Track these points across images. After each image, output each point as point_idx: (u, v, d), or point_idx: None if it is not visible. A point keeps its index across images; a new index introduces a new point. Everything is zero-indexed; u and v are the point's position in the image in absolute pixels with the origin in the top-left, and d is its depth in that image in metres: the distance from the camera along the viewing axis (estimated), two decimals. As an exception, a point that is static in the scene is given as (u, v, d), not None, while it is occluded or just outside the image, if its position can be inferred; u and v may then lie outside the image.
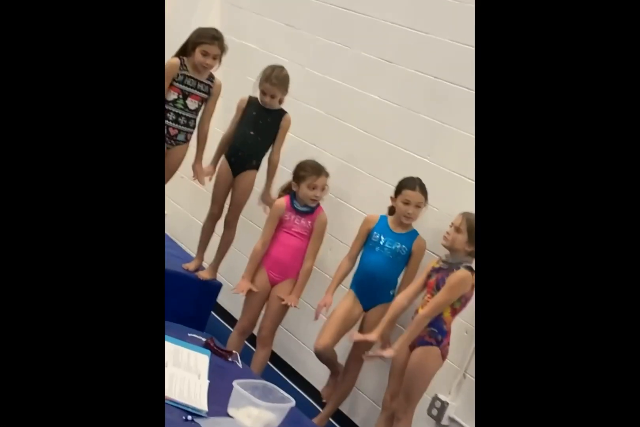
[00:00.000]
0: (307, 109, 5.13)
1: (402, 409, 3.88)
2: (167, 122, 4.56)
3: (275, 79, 4.53)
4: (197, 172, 4.75)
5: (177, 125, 4.62)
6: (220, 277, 5.02)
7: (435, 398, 4.05)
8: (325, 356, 4.29)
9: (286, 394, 3.09)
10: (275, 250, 4.44)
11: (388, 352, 3.82)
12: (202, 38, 4.56)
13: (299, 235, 4.41)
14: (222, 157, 4.75)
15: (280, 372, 4.93)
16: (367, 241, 4.22)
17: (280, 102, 4.65)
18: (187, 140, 4.70)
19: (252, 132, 4.66)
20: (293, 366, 4.94)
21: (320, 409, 4.47)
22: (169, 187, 5.00)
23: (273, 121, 4.67)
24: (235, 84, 5.04)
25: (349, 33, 5.06)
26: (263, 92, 4.58)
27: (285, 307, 4.43)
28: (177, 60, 4.57)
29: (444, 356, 3.85)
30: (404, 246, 4.12)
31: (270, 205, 4.62)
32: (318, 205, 4.41)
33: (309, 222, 4.40)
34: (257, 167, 4.74)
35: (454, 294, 3.76)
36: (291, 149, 5.05)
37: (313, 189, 4.33)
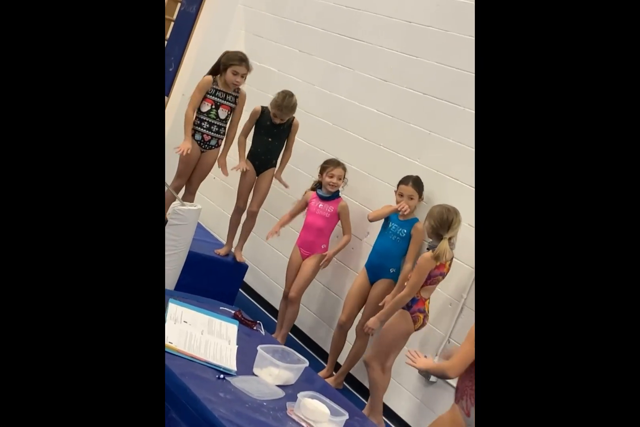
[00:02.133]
0: (317, 121, 5.10)
1: (370, 359, 3.92)
2: (202, 129, 4.59)
3: (285, 108, 4.51)
4: (222, 165, 4.73)
5: (210, 133, 4.61)
6: (246, 260, 5.00)
7: (425, 359, 4.03)
8: (346, 327, 4.33)
9: (301, 357, 3.07)
10: (304, 232, 4.57)
11: (371, 323, 3.90)
12: (232, 60, 4.54)
13: (322, 217, 4.49)
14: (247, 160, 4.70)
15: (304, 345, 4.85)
16: (384, 228, 4.25)
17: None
18: (218, 146, 4.68)
19: (269, 139, 4.65)
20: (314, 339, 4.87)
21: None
22: (204, 185, 5.01)
23: (285, 127, 4.65)
24: (256, 99, 5.01)
25: (351, 57, 5.03)
26: (274, 115, 4.56)
27: (313, 275, 4.53)
28: (210, 77, 4.57)
29: (414, 321, 3.78)
30: (404, 229, 4.12)
31: (281, 182, 4.73)
32: (338, 193, 4.48)
33: (331, 206, 4.49)
34: (275, 165, 4.74)
35: (422, 274, 3.70)
36: (304, 154, 5.03)
37: (331, 177, 4.43)
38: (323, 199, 4.51)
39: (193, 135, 4.60)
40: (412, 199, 4.11)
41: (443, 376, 2.90)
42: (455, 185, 4.09)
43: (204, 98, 4.55)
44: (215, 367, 2.78)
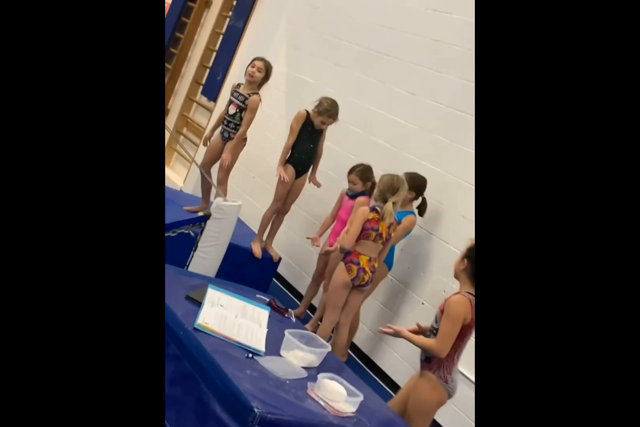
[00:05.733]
0: (349, 129, 5.14)
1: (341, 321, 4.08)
2: (222, 125, 4.77)
3: (335, 114, 4.54)
4: (223, 159, 4.77)
5: (223, 126, 4.76)
6: (281, 253, 5.06)
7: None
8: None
9: (325, 342, 3.11)
10: (336, 223, 4.58)
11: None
12: (255, 58, 4.77)
13: (347, 212, 4.50)
14: (290, 166, 4.67)
15: (362, 363, 4.64)
16: None
17: None
18: (230, 138, 4.74)
19: (311, 145, 4.66)
20: (374, 360, 4.61)
21: (393, 394, 4.18)
22: (245, 183, 5.05)
23: (320, 132, 4.68)
24: (294, 108, 5.06)
25: (382, 71, 5.05)
26: (322, 122, 4.55)
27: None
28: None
29: (348, 270, 3.96)
30: (396, 218, 4.14)
31: (315, 183, 4.75)
32: (364, 193, 4.46)
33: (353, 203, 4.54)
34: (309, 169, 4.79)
35: (357, 222, 3.91)
36: (336, 159, 5.06)
37: (349, 181, 4.51)
38: (349, 196, 4.56)
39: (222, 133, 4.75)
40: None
41: (433, 355, 2.97)
42: (471, 190, 4.10)
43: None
44: (245, 348, 2.81)
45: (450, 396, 3.05)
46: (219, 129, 4.80)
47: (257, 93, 4.65)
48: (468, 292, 2.93)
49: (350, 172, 4.43)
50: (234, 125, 4.71)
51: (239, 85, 4.75)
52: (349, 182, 4.45)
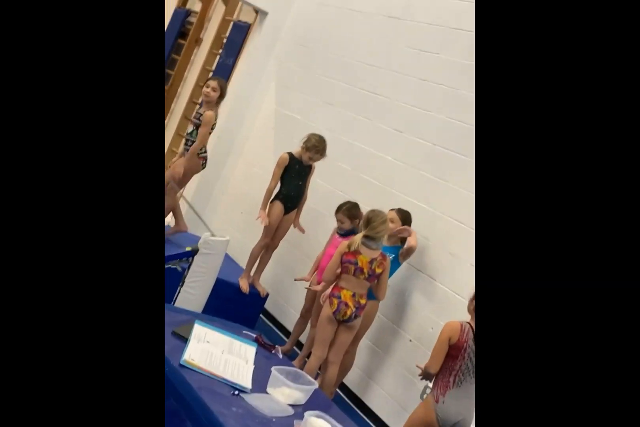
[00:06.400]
0: (337, 166, 5.20)
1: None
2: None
3: (323, 150, 4.63)
4: (174, 170, 4.80)
5: (184, 145, 4.90)
6: (268, 289, 5.07)
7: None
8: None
9: (312, 379, 3.10)
10: (324, 261, 4.51)
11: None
12: (208, 78, 5.04)
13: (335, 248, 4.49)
14: (278, 202, 4.74)
15: (350, 401, 4.63)
16: None
17: None
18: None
19: (300, 182, 4.73)
20: (362, 398, 4.59)
21: None
22: (231, 218, 5.05)
23: (308, 169, 4.76)
24: (283, 144, 5.13)
25: (369, 109, 5.13)
26: (310, 158, 4.64)
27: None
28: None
29: (330, 304, 3.99)
30: (392, 254, 4.16)
31: (299, 228, 4.83)
32: (354, 231, 4.43)
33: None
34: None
35: (336, 256, 3.99)
36: (325, 195, 5.11)
37: (337, 220, 4.51)
38: (340, 235, 4.60)
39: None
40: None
41: (428, 375, 3.36)
42: (459, 227, 4.15)
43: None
44: (231, 384, 2.81)
45: (440, 418, 3.25)
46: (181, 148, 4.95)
47: (212, 110, 4.77)
48: (467, 322, 3.30)
49: (337, 211, 4.47)
50: (191, 143, 4.85)
51: (200, 106, 4.89)
52: (337, 220, 4.48)
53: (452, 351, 3.27)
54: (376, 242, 3.93)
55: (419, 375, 3.41)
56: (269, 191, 4.72)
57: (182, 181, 4.87)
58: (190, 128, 4.86)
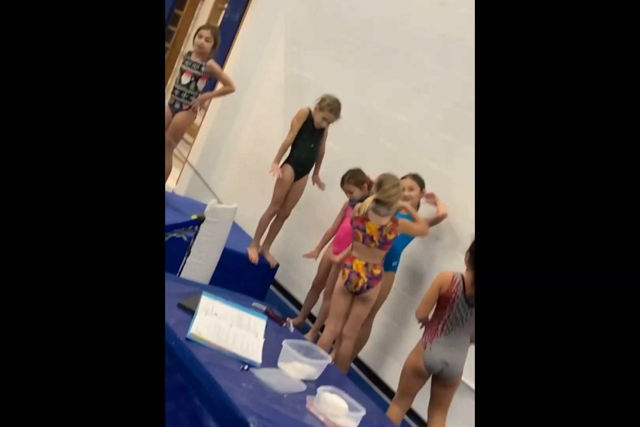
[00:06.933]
0: (350, 129, 5.13)
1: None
2: (172, 95, 4.87)
3: (337, 111, 4.55)
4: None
5: (174, 97, 4.87)
6: (278, 259, 5.05)
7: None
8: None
9: (325, 353, 3.10)
10: (339, 231, 4.52)
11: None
12: (200, 27, 4.96)
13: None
14: (289, 166, 4.67)
15: (365, 376, 4.62)
16: None
17: None
18: (182, 109, 4.87)
19: (312, 145, 4.66)
20: (377, 373, 4.56)
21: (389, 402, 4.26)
22: (241, 185, 5.03)
23: (321, 132, 4.69)
24: (292, 107, 5.06)
25: (386, 68, 5.05)
26: (324, 118, 4.56)
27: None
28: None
29: (342, 274, 4.00)
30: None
31: (319, 184, 4.80)
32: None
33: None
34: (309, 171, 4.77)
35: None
36: (337, 160, 5.06)
37: (346, 193, 4.51)
38: (351, 205, 4.56)
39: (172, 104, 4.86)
40: (412, 189, 4.21)
41: (419, 320, 3.60)
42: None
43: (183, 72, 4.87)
44: (241, 359, 2.80)
45: (426, 364, 3.48)
46: (168, 100, 4.89)
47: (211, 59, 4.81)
48: (461, 274, 3.46)
49: (342, 183, 4.42)
50: (187, 95, 4.82)
51: (189, 53, 4.87)
52: (346, 193, 4.42)
53: (441, 301, 3.47)
54: (387, 207, 3.84)
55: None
56: (285, 145, 4.65)
57: (178, 137, 4.89)
58: (186, 79, 4.78)
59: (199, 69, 4.75)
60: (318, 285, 4.70)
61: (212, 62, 4.75)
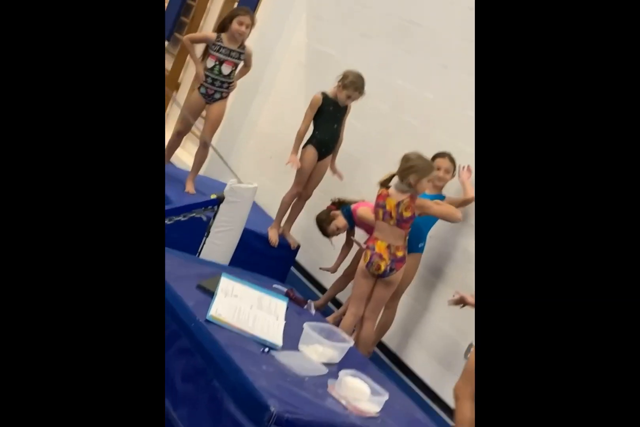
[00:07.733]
0: (374, 105, 5.09)
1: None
2: (206, 84, 4.82)
3: (362, 88, 4.49)
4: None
5: (213, 87, 4.82)
6: (300, 241, 5.05)
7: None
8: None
9: (347, 336, 3.10)
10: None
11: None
12: (237, 11, 4.89)
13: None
14: (311, 147, 4.64)
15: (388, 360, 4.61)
16: None
17: None
18: (222, 98, 4.89)
19: (335, 125, 4.63)
20: (401, 357, 4.58)
21: (421, 394, 4.31)
22: (261, 165, 5.00)
23: (344, 111, 4.65)
24: (315, 82, 5.03)
25: (412, 42, 5.00)
26: (348, 96, 4.52)
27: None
28: (214, 34, 4.78)
29: (364, 256, 4.00)
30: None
31: (338, 174, 4.76)
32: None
33: None
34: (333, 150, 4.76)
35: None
36: (361, 138, 5.04)
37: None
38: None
39: (199, 89, 4.84)
40: (447, 172, 4.18)
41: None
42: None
43: (209, 55, 4.80)
44: (261, 341, 2.83)
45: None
46: (201, 89, 4.86)
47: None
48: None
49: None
50: (227, 85, 4.80)
51: (219, 39, 4.78)
52: (333, 232, 4.51)
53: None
54: (403, 183, 3.84)
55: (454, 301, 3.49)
56: (300, 135, 4.64)
57: (215, 129, 4.94)
58: (227, 69, 4.75)
59: (239, 57, 4.73)
60: (351, 274, 4.68)
61: (250, 48, 4.73)
